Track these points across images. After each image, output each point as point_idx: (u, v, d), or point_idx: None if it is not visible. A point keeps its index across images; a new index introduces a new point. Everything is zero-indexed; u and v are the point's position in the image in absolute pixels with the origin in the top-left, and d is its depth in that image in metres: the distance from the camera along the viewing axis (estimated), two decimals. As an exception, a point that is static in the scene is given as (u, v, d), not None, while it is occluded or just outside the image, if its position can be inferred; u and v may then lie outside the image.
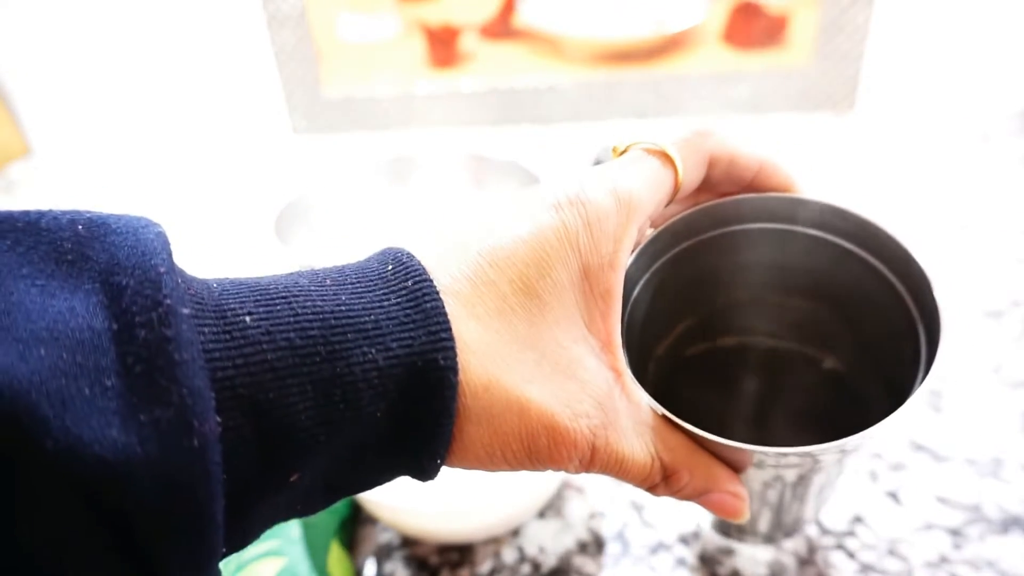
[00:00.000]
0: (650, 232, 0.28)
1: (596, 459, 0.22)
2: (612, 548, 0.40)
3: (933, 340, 0.26)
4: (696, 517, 0.41)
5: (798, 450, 0.23)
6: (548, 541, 0.41)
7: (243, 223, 0.74)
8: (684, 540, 0.40)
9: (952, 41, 0.85)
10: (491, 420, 0.20)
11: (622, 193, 0.22)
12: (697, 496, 0.24)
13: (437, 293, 0.20)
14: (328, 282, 0.19)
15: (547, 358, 0.21)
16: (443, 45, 0.86)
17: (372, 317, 0.19)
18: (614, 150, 0.25)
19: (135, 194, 0.84)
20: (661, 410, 0.24)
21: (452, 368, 0.19)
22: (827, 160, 0.75)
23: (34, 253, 0.16)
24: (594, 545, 0.40)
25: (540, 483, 0.38)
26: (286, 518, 0.20)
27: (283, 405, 0.17)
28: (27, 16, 0.92)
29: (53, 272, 0.16)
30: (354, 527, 0.43)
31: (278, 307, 0.18)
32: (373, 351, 0.18)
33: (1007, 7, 0.82)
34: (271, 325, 0.17)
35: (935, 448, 0.44)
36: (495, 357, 0.20)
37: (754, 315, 0.35)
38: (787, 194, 0.29)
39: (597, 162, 0.52)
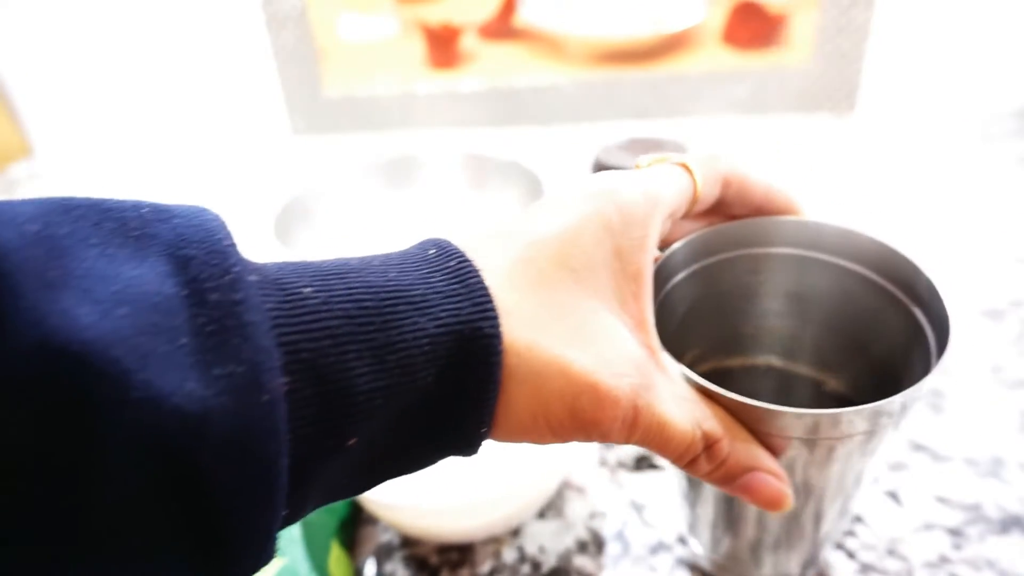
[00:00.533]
0: (665, 251, 0.30)
1: (639, 422, 0.22)
2: (612, 548, 0.40)
3: (943, 347, 0.26)
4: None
5: (847, 410, 0.23)
6: (548, 541, 0.41)
7: (243, 223, 0.74)
8: (684, 540, 0.40)
9: (952, 41, 0.85)
10: (535, 379, 0.21)
11: (649, 188, 0.24)
12: (738, 474, 0.24)
13: (478, 271, 0.21)
14: (375, 263, 0.20)
15: (585, 326, 0.22)
16: (443, 45, 0.86)
17: (420, 291, 0.20)
18: (636, 166, 0.27)
19: (135, 194, 0.84)
20: (700, 380, 0.24)
21: (496, 336, 0.20)
22: (827, 161, 0.75)
23: (101, 228, 0.17)
24: (594, 545, 0.40)
25: (540, 483, 0.38)
26: (333, 497, 0.20)
27: (342, 370, 0.18)
28: (28, 16, 0.92)
29: (121, 244, 0.16)
30: (354, 527, 0.43)
31: (332, 282, 0.19)
32: (423, 320, 0.19)
33: (1007, 7, 0.82)
34: (328, 296, 0.18)
35: (935, 448, 0.44)
36: (535, 321, 0.21)
37: (760, 336, 0.36)
38: (797, 218, 0.31)
39: (597, 162, 0.52)
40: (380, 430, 0.19)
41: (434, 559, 0.40)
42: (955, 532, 0.39)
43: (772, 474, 0.24)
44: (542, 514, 0.42)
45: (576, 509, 0.42)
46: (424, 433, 0.21)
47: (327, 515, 0.40)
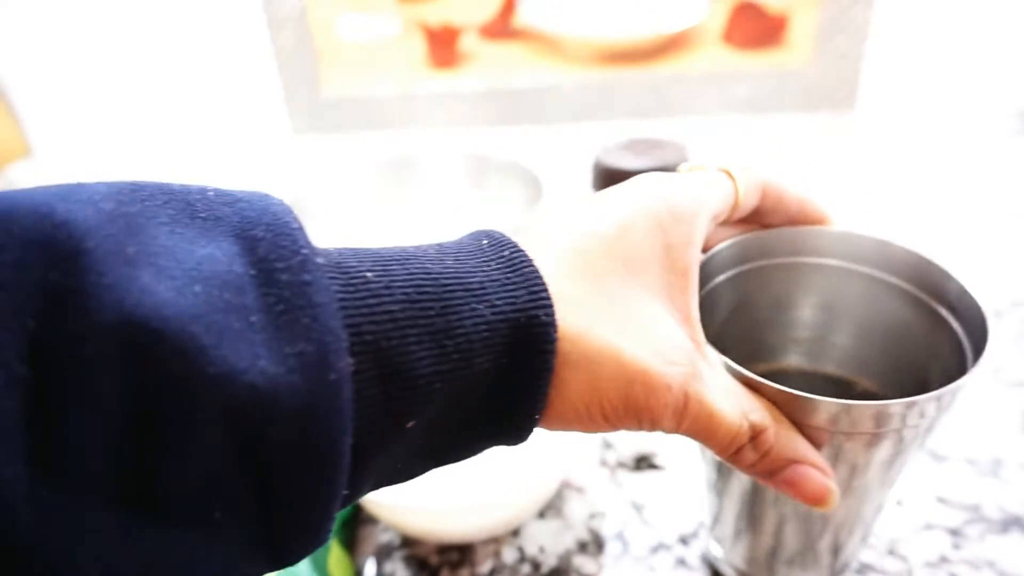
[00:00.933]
0: (701, 256, 0.30)
1: (689, 410, 0.22)
2: (612, 548, 0.40)
3: (979, 349, 0.27)
4: (697, 518, 0.41)
5: (895, 402, 0.23)
6: (548, 541, 0.41)
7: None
8: (684, 540, 0.40)
9: (952, 40, 0.85)
10: (589, 366, 0.21)
11: (697, 189, 0.25)
12: (781, 466, 0.24)
13: (531, 260, 0.21)
14: (431, 251, 0.21)
15: (636, 316, 0.22)
16: (443, 45, 0.86)
17: (477, 279, 0.20)
18: (678, 169, 0.28)
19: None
20: (745, 372, 0.24)
21: (552, 324, 0.20)
22: (827, 160, 0.75)
23: (170, 207, 0.17)
24: (594, 545, 0.40)
25: (540, 483, 0.38)
26: (387, 482, 0.21)
27: (404, 352, 0.18)
28: (27, 16, 0.92)
29: (189, 224, 0.17)
30: (354, 527, 0.43)
31: (393, 267, 0.19)
32: (481, 307, 0.20)
33: (1006, 7, 0.82)
34: (390, 281, 0.19)
35: (935, 448, 0.44)
36: (589, 310, 0.21)
37: (791, 345, 0.37)
38: (832, 228, 0.32)
39: (597, 162, 0.52)
40: (437, 414, 0.20)
41: (434, 559, 0.40)
42: (955, 532, 0.39)
43: (817, 468, 0.24)
44: (542, 514, 0.42)
45: (576, 509, 0.42)
46: (478, 419, 0.21)
47: (327, 515, 0.40)
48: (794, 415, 0.24)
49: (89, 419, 0.14)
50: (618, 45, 0.86)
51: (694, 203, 0.24)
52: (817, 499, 0.24)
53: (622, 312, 0.22)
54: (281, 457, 0.16)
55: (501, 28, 0.86)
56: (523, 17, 0.86)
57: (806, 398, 0.24)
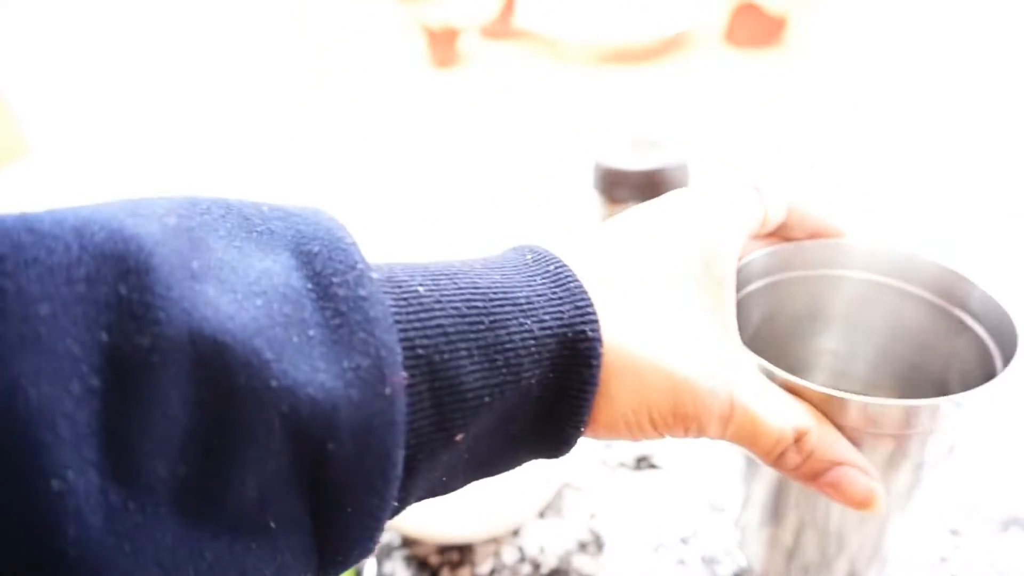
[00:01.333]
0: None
1: (735, 416, 0.23)
2: (612, 548, 0.40)
3: (1009, 355, 0.27)
4: (697, 517, 0.41)
5: (933, 401, 0.23)
6: (548, 541, 0.41)
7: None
8: (684, 540, 0.40)
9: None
10: (637, 377, 0.22)
11: (726, 204, 0.26)
12: (824, 468, 0.24)
13: (576, 275, 0.22)
14: (478, 266, 0.21)
15: (679, 327, 0.23)
16: (444, 45, 0.86)
17: (524, 293, 0.21)
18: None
19: (134, 195, 0.84)
20: (784, 375, 0.25)
21: (598, 339, 0.21)
22: (827, 160, 0.75)
23: (226, 221, 0.17)
24: (594, 545, 0.40)
25: (540, 483, 0.38)
26: (431, 494, 0.21)
27: (455, 366, 0.19)
28: (26, 17, 0.91)
29: (246, 238, 0.17)
30: (354, 527, 0.43)
31: (443, 282, 0.20)
32: (529, 322, 0.20)
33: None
34: (440, 295, 0.19)
35: (935, 448, 0.44)
36: (634, 322, 0.22)
37: (818, 356, 0.37)
38: (858, 240, 0.32)
39: (598, 163, 0.52)
40: (484, 428, 0.20)
41: (434, 559, 0.40)
42: (955, 532, 0.39)
43: (860, 469, 0.24)
44: (542, 514, 0.42)
45: (576, 509, 0.42)
46: (523, 431, 0.21)
47: (327, 515, 0.40)
48: (829, 417, 0.24)
49: (158, 429, 0.15)
50: (618, 46, 0.86)
51: (727, 217, 0.25)
52: (862, 502, 0.24)
53: (666, 324, 0.23)
54: (337, 468, 0.16)
55: (501, 28, 0.86)
56: (523, 17, 0.86)
57: (841, 398, 0.24)
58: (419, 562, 0.40)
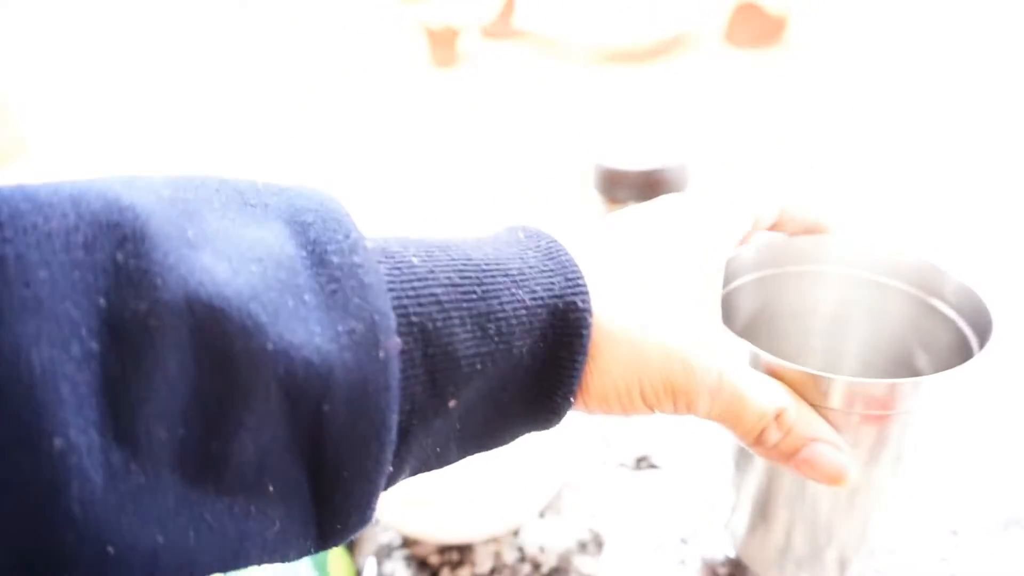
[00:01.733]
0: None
1: (722, 391, 0.23)
2: (612, 548, 0.40)
3: (984, 343, 0.28)
4: (697, 518, 0.41)
5: (913, 380, 0.24)
6: (548, 541, 0.41)
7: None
8: (684, 540, 0.40)
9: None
10: (632, 347, 0.22)
11: (717, 206, 0.27)
12: (800, 445, 0.24)
13: (567, 250, 0.22)
14: (471, 240, 0.22)
15: (669, 308, 0.23)
16: (443, 45, 0.86)
17: (516, 265, 0.21)
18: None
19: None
20: (770, 358, 0.26)
21: (588, 310, 0.21)
22: (828, 159, 0.75)
23: (221, 195, 0.18)
24: (594, 545, 0.40)
25: (540, 483, 0.38)
26: (425, 466, 0.21)
27: (448, 334, 0.19)
28: (24, 18, 0.92)
29: (239, 210, 0.18)
30: (354, 527, 0.43)
31: (436, 253, 0.20)
32: (520, 292, 0.21)
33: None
34: (433, 265, 0.20)
35: (935, 448, 0.44)
36: (626, 299, 0.23)
37: (804, 353, 0.37)
38: (843, 236, 0.32)
39: (599, 164, 0.52)
40: (477, 396, 0.20)
41: (434, 559, 0.40)
42: (955, 532, 0.39)
43: (832, 445, 0.25)
44: (542, 514, 0.42)
45: (576, 509, 0.42)
46: (514, 401, 0.22)
47: (327, 515, 0.40)
48: (812, 397, 0.25)
49: (157, 392, 0.15)
50: (618, 45, 0.86)
51: (717, 219, 0.26)
52: (835, 476, 0.24)
53: (656, 304, 0.23)
54: (332, 430, 0.17)
55: (501, 28, 0.86)
56: (523, 17, 0.86)
57: (826, 378, 0.25)
58: (419, 562, 0.40)
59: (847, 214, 0.66)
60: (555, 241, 0.23)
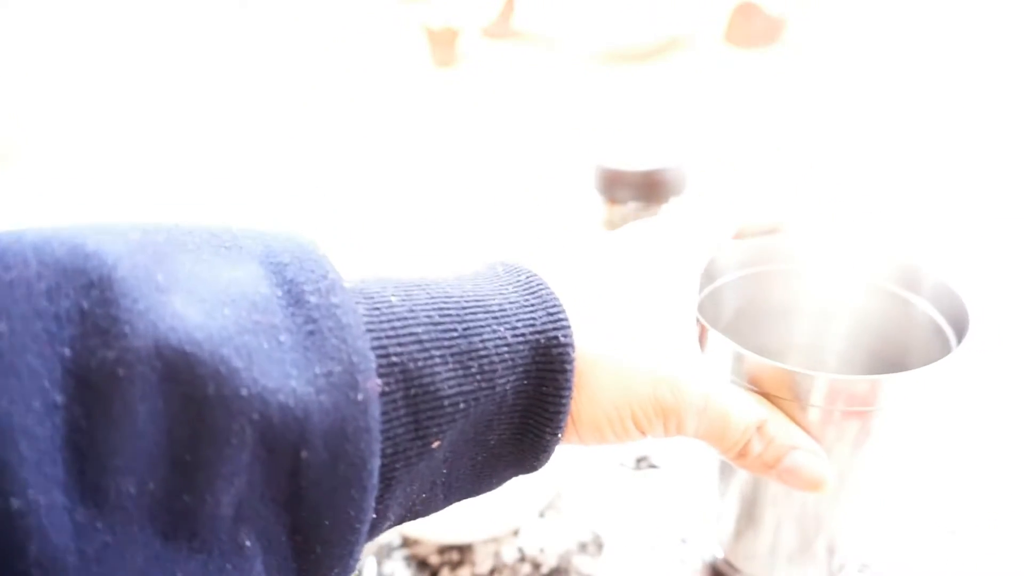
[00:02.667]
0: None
1: (708, 408, 0.23)
2: (612, 548, 0.40)
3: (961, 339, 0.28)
4: (696, 518, 0.41)
5: (893, 376, 0.25)
6: (548, 541, 0.41)
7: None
8: (684, 540, 0.40)
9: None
10: (619, 371, 0.22)
11: (694, 223, 0.28)
12: (781, 454, 0.25)
13: (547, 283, 0.22)
14: (449, 278, 0.22)
15: (648, 331, 0.24)
16: (443, 45, 0.86)
17: (496, 301, 0.21)
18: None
19: (127, 199, 0.84)
20: (754, 357, 0.26)
21: (570, 344, 0.21)
22: (827, 158, 0.75)
23: (194, 237, 0.17)
24: (594, 545, 0.40)
25: (540, 483, 0.38)
26: (410, 513, 0.21)
27: (430, 373, 0.19)
28: (24, 19, 0.92)
29: (214, 252, 0.17)
30: (354, 527, 0.43)
31: (414, 292, 0.20)
32: (502, 329, 0.20)
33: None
34: (413, 304, 0.19)
35: (935, 447, 0.44)
36: (608, 329, 0.23)
37: (786, 352, 0.37)
38: (828, 235, 0.33)
39: (598, 164, 0.52)
40: (462, 438, 0.20)
41: (434, 559, 0.40)
42: (955, 532, 0.39)
43: (811, 452, 0.25)
44: (542, 514, 0.42)
45: (576, 509, 0.42)
46: (502, 443, 0.22)
47: (327, 515, 0.40)
48: (794, 394, 0.26)
49: (126, 444, 0.14)
50: (618, 46, 0.86)
51: (685, 246, 0.27)
52: (815, 483, 0.25)
53: (638, 329, 0.23)
54: (312, 478, 0.16)
55: (501, 28, 0.86)
56: (523, 18, 0.86)
57: (809, 375, 0.25)
58: (419, 562, 0.40)
59: (846, 214, 0.66)
60: (535, 275, 0.22)
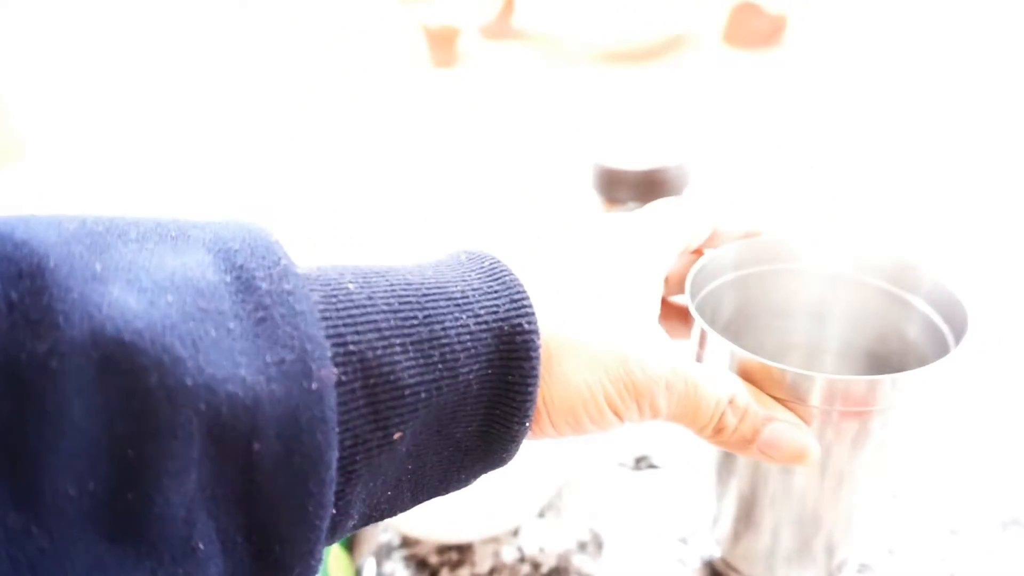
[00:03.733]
0: (699, 260, 0.32)
1: (679, 384, 0.23)
2: (612, 548, 0.40)
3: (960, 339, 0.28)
4: (696, 519, 0.41)
5: (889, 376, 0.25)
6: (548, 541, 0.41)
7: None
8: (684, 540, 0.40)
9: None
10: (589, 352, 0.22)
11: (655, 224, 0.27)
12: (758, 427, 0.24)
13: (511, 270, 0.22)
14: (410, 266, 0.21)
15: (615, 314, 0.23)
16: (443, 45, 0.86)
17: (459, 287, 0.20)
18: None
19: (130, 196, 0.84)
20: (751, 357, 0.26)
21: (535, 331, 0.21)
22: (826, 158, 0.75)
23: (137, 227, 0.16)
24: (594, 545, 0.40)
25: (540, 483, 0.38)
26: (375, 512, 0.20)
27: (389, 363, 0.18)
28: (26, 17, 0.92)
29: (159, 241, 0.16)
30: (354, 527, 0.43)
31: (373, 279, 0.19)
32: (464, 316, 0.20)
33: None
34: (371, 292, 0.19)
35: (935, 447, 0.44)
36: (575, 313, 0.22)
37: (784, 352, 0.37)
38: (821, 235, 0.33)
39: (597, 164, 0.52)
40: (426, 430, 0.19)
41: (434, 559, 0.40)
42: (955, 532, 0.39)
43: (791, 424, 0.25)
44: (542, 514, 0.42)
45: (576, 509, 0.42)
46: (468, 436, 0.21)
47: (327, 515, 0.40)
48: (792, 395, 0.26)
49: (61, 441, 0.13)
50: (617, 45, 0.86)
51: (655, 238, 0.26)
52: (797, 455, 0.24)
53: (605, 311, 0.23)
54: (266, 473, 0.15)
55: (501, 28, 0.86)
56: (523, 17, 0.86)
57: (808, 375, 0.25)
58: (419, 562, 0.40)
59: (845, 214, 0.66)
60: (498, 262, 0.22)
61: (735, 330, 0.36)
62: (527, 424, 0.21)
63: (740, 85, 0.84)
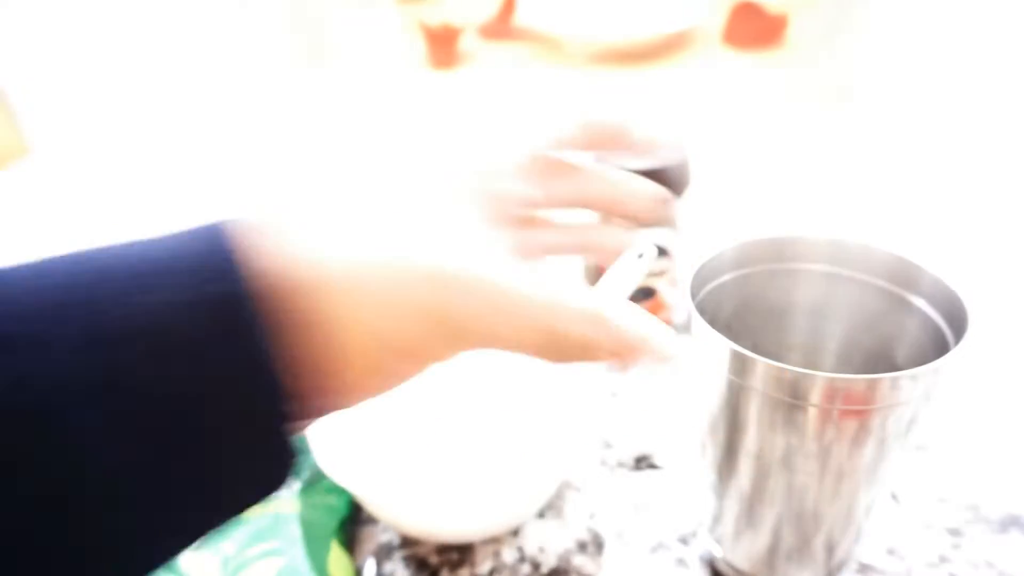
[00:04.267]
0: (705, 257, 0.33)
1: (497, 297, 0.19)
2: (612, 548, 0.40)
3: (960, 337, 0.28)
4: (696, 518, 0.41)
5: (889, 376, 0.25)
6: (548, 541, 0.41)
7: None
8: (684, 540, 0.40)
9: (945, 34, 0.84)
10: (386, 284, 0.18)
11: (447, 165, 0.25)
12: (633, 331, 0.20)
13: (227, 231, 0.18)
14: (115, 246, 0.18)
15: (423, 227, 0.21)
16: (443, 45, 0.86)
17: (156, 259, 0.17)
18: None
19: (134, 195, 0.84)
20: (754, 357, 0.26)
21: (250, 295, 0.17)
22: (823, 157, 0.75)
23: None
24: (594, 545, 0.40)
25: (540, 483, 0.38)
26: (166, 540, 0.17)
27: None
28: (26, 16, 0.92)
29: None
30: (354, 527, 0.43)
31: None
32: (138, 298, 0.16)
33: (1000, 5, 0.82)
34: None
35: (935, 448, 0.44)
36: (367, 233, 0.20)
37: (785, 350, 0.38)
38: (822, 235, 0.33)
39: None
40: (161, 451, 0.16)
41: (434, 559, 0.40)
42: (955, 532, 0.39)
43: (648, 319, 0.21)
44: (542, 514, 0.42)
45: (576, 509, 0.42)
46: (231, 434, 0.17)
47: (327, 515, 0.40)
48: (793, 394, 0.26)
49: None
50: (618, 45, 0.86)
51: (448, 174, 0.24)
52: (666, 353, 0.21)
53: (413, 230, 0.20)
54: None
55: (501, 28, 0.86)
56: (523, 17, 0.86)
57: (811, 375, 0.25)
58: (419, 562, 0.40)
59: (844, 213, 0.66)
60: (217, 225, 0.18)
61: (735, 329, 0.36)
62: (296, 401, 0.18)
63: (740, 85, 0.84)
